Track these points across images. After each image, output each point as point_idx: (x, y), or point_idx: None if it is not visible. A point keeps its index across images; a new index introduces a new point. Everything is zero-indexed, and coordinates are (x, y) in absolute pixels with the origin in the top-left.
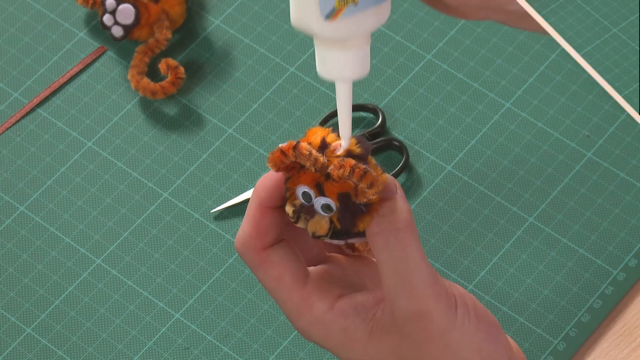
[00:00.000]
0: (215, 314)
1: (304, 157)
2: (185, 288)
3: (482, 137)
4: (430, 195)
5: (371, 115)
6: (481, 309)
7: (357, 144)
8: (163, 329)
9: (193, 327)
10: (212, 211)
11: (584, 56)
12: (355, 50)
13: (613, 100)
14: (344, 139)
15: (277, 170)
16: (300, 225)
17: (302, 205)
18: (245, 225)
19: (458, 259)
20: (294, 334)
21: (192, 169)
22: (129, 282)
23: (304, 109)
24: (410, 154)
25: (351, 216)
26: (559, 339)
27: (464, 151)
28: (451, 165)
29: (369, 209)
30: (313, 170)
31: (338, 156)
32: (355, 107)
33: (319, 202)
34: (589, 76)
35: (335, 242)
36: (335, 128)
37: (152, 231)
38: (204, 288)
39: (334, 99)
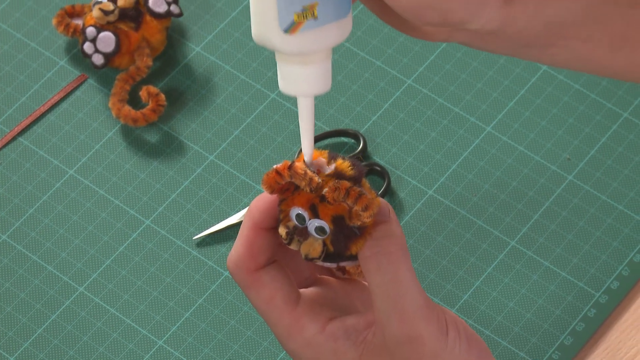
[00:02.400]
0: (199, 340)
1: (300, 176)
2: (169, 315)
3: (463, 162)
4: (412, 220)
5: (352, 141)
6: (472, 333)
7: (350, 166)
8: (146, 356)
9: (176, 354)
10: (194, 238)
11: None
12: (316, 66)
13: (593, 123)
14: (306, 155)
15: (272, 192)
16: (293, 247)
17: (295, 227)
18: (238, 246)
19: (441, 283)
20: (277, 359)
21: (173, 196)
22: (112, 310)
23: (285, 135)
24: (391, 178)
25: (345, 239)
26: None
27: (445, 175)
28: (432, 189)
29: (363, 232)
30: (308, 191)
31: (332, 177)
32: (337, 133)
33: (312, 224)
34: (570, 100)
35: (328, 264)
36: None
37: (134, 258)
38: (187, 315)
39: (315, 125)
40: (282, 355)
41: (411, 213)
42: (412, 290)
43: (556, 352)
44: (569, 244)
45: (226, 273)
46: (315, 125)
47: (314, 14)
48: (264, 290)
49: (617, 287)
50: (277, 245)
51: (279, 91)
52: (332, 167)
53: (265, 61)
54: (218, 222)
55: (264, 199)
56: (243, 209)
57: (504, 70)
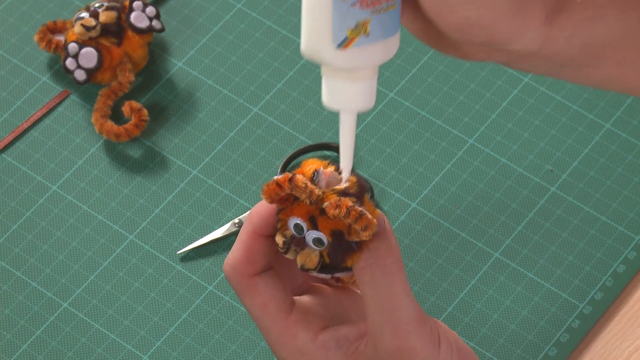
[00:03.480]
0: (183, 355)
1: (300, 189)
2: (153, 330)
3: (446, 174)
4: (396, 233)
5: (335, 154)
6: (463, 345)
7: (355, 182)
8: None
9: None
10: (178, 252)
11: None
12: (363, 82)
13: (576, 134)
14: (345, 171)
15: (271, 202)
16: (289, 256)
17: (292, 237)
18: (235, 250)
19: (425, 295)
20: None
21: (157, 210)
22: (96, 325)
23: (268, 149)
24: (375, 191)
25: (342, 253)
26: None
27: (429, 188)
28: (416, 202)
29: (360, 246)
30: (308, 203)
31: (334, 191)
32: (319, 146)
33: (310, 235)
34: (552, 111)
35: (322, 276)
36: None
37: (118, 274)
38: (172, 329)
39: (298, 139)
40: None
41: (395, 225)
42: (405, 303)
43: None
44: (553, 255)
45: (210, 287)
46: (297, 139)
47: (366, 30)
48: (258, 297)
49: (601, 298)
50: (273, 253)
51: (262, 105)
52: (346, 183)
53: (247, 75)
54: (202, 237)
55: (265, 205)
56: (227, 223)
57: (486, 83)
